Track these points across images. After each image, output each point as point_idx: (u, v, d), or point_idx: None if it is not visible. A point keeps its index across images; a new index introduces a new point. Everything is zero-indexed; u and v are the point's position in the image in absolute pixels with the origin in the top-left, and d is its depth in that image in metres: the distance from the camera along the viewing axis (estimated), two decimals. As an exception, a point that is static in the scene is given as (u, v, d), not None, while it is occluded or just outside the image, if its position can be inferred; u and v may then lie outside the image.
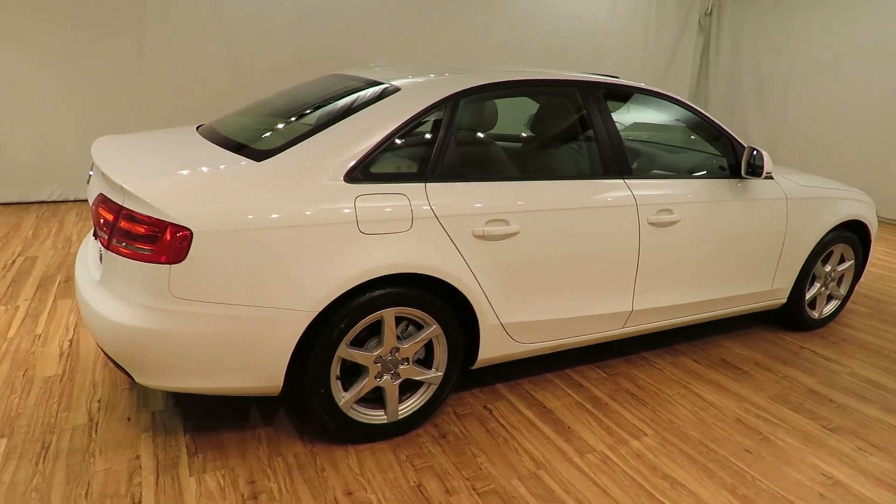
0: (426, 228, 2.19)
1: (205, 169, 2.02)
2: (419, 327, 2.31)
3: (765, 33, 7.82)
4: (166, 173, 1.98)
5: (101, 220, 2.01)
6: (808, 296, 3.52)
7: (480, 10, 6.82)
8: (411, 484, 2.11)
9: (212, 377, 2.02)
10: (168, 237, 1.86)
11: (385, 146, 2.19)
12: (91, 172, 2.41)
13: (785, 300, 3.41)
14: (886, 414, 2.76)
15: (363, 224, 2.08)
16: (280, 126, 2.38)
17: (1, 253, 4.10)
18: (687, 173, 2.91)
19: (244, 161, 2.07)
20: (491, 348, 2.47)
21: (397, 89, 2.33)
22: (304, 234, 1.99)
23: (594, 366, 3.03)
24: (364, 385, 2.24)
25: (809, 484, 2.25)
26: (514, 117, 2.65)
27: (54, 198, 5.48)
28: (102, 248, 2.01)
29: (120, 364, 2.02)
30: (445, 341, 2.33)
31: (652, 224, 2.68)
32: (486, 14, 6.86)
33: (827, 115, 7.13)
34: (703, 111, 2.98)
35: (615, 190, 2.61)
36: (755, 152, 2.89)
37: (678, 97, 2.93)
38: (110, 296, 1.98)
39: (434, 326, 2.29)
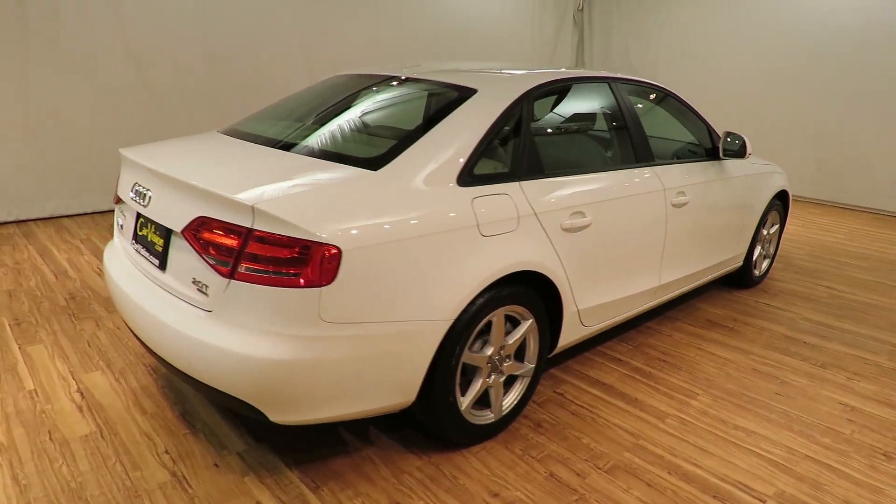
0: (529, 226, 2.24)
1: (327, 182, 1.88)
2: (514, 323, 2.36)
3: (632, 27, 8.70)
4: (291, 189, 1.81)
5: (211, 246, 1.79)
6: (754, 257, 4.10)
7: (382, 5, 6.76)
8: (544, 475, 2.18)
9: (352, 402, 1.91)
10: (317, 258, 1.72)
11: (483, 147, 2.19)
12: (143, 191, 2.09)
13: (742, 262, 3.95)
14: (848, 347, 3.35)
15: (483, 226, 2.08)
16: (364, 133, 2.27)
17: None
18: (684, 158, 3.25)
19: (361, 171, 1.96)
20: (567, 335, 2.59)
21: (474, 90, 2.33)
22: (438, 241, 1.95)
23: (617, 340, 3.28)
24: (479, 387, 2.24)
25: (836, 413, 2.69)
26: (562, 112, 2.76)
27: (-78, 228, 4.50)
28: (216, 276, 1.79)
29: (249, 403, 1.82)
30: (537, 333, 2.41)
31: (674, 205, 2.98)
32: (388, 9, 6.82)
33: (691, 98, 8.17)
34: (686, 101, 3.34)
35: (649, 177, 2.86)
36: (733, 137, 3.32)
37: (670, 90, 3.26)
38: (239, 329, 1.77)
39: (531, 321, 2.36)
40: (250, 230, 1.74)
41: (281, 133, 2.37)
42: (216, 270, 1.79)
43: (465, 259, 2.02)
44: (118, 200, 2.45)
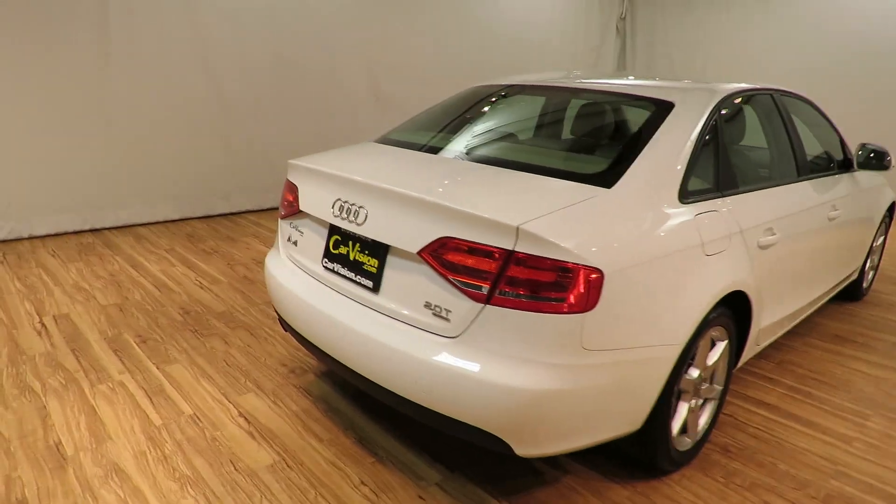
0: (736, 243, 2.15)
1: (572, 201, 1.77)
2: (710, 344, 2.26)
3: (677, 35, 8.66)
4: (545, 209, 1.70)
5: (459, 268, 1.68)
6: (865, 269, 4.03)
7: (438, 13, 6.67)
8: (761, 505, 2.08)
9: (592, 432, 1.80)
10: (582, 282, 1.62)
11: (693, 162, 2.10)
12: (353, 207, 1.97)
13: (857, 275, 3.88)
14: None
15: (706, 245, 1.98)
16: (569, 147, 2.18)
17: (11, 316, 3.17)
18: (826, 169, 3.17)
19: (595, 189, 1.86)
20: (746, 355, 2.50)
21: (670, 103, 2.24)
22: (677, 261, 1.85)
23: (755, 357, 3.19)
24: (686, 411, 2.14)
25: None
26: (741, 124, 2.67)
27: (3, 237, 4.34)
28: (465, 300, 1.68)
29: (494, 435, 1.71)
30: (727, 354, 2.32)
31: (829, 219, 2.90)
32: (443, 16, 6.73)
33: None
34: (823, 111, 3.27)
35: (813, 190, 2.77)
36: (873, 149, 3.24)
37: (811, 100, 3.18)
38: (492, 357, 1.66)
39: (726, 342, 2.27)
40: (511, 252, 1.63)
41: (476, 147, 2.26)
42: (466, 294, 1.68)
43: (695, 280, 1.92)
44: (290, 214, 2.33)
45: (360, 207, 1.95)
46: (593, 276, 1.62)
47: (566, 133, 2.31)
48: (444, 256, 1.72)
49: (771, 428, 2.54)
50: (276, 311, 2.47)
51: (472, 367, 1.67)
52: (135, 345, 2.94)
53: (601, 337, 1.67)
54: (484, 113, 2.56)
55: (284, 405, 2.50)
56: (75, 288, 3.59)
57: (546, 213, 1.67)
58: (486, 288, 1.65)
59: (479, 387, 1.65)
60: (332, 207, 2.05)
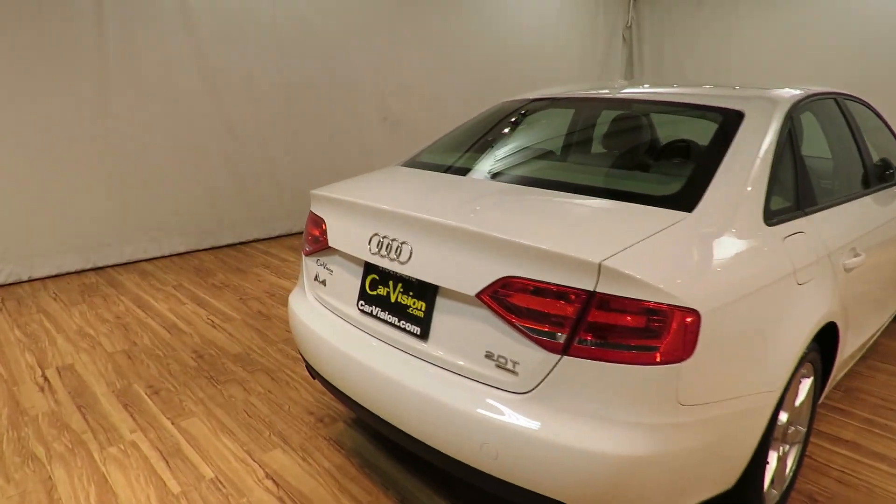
0: (825, 268, 1.91)
1: (651, 229, 1.54)
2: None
3: (685, 41, 8.49)
4: (625, 241, 1.47)
5: (528, 314, 1.45)
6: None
7: (446, 26, 6.50)
8: (869, 566, 1.82)
9: (682, 498, 1.54)
10: (677, 326, 1.37)
11: (773, 178, 1.87)
12: (393, 244, 1.73)
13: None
14: None
15: (798, 273, 1.74)
16: (633, 166, 1.95)
17: (11, 371, 2.93)
18: (889, 179, 2.94)
19: (674, 213, 1.62)
20: (827, 389, 2.25)
21: (740, 112, 2.01)
22: (772, 294, 1.61)
23: (821, 384, 2.93)
24: (776, 461, 1.89)
25: None
26: (809, 132, 2.44)
27: (1, 281, 4.10)
28: (536, 350, 1.44)
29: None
30: (812, 391, 2.07)
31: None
32: (452, 29, 6.56)
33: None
34: (882, 115, 3.04)
35: (884, 202, 2.54)
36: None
37: (869, 103, 2.96)
38: (572, 417, 1.42)
39: (811, 378, 2.02)
40: (592, 293, 1.39)
41: (522, 169, 2.04)
42: (538, 344, 1.44)
43: (791, 313, 1.68)
44: (316, 251, 2.10)
45: (402, 243, 1.71)
46: (689, 318, 1.38)
47: (621, 149, 2.08)
48: (508, 300, 1.48)
49: (856, 470, 2.28)
50: (303, 357, 2.23)
51: (548, 428, 1.42)
52: (146, 397, 2.69)
53: (699, 389, 1.43)
54: (522, 130, 2.34)
55: (315, 462, 2.24)
56: (79, 334, 3.35)
57: (628, 246, 1.44)
58: (562, 336, 1.41)
59: (557, 452, 1.41)
60: (369, 243, 1.81)
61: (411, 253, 1.68)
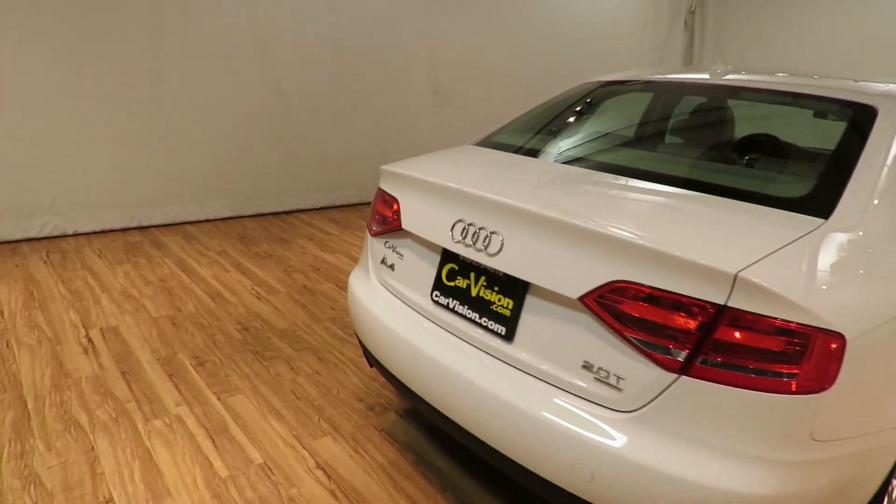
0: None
1: (786, 236, 1.34)
2: None
3: (751, 31, 8.06)
4: (759, 250, 1.27)
5: (641, 324, 1.27)
6: None
7: (503, 9, 6.23)
8: None
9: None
10: (820, 351, 1.18)
11: (911, 184, 1.64)
12: (480, 232, 1.56)
13: None
14: None
15: (938, 295, 1.53)
16: (750, 162, 1.74)
17: (55, 328, 2.87)
18: None
19: (807, 219, 1.42)
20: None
21: (873, 108, 1.78)
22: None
23: None
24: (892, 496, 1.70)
25: None
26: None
27: (47, 233, 4.07)
28: (649, 367, 1.27)
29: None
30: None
31: None
32: (506, 12, 6.28)
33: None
34: None
35: None
36: None
37: None
38: (683, 445, 1.25)
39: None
40: (723, 308, 1.20)
41: (621, 158, 1.84)
42: (652, 359, 1.26)
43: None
44: (385, 231, 1.94)
45: (492, 233, 1.54)
46: (834, 344, 1.19)
47: (732, 141, 1.87)
48: (617, 306, 1.30)
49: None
50: (361, 342, 2.09)
51: (657, 455, 1.25)
52: (191, 368, 2.59)
53: (836, 423, 1.24)
54: (613, 114, 2.14)
55: (368, 454, 2.11)
56: (124, 295, 3.27)
57: (765, 256, 1.25)
58: (682, 353, 1.23)
59: (665, 483, 1.24)
60: (451, 230, 1.64)
61: (502, 244, 1.51)
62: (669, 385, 1.25)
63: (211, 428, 2.20)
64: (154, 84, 4.25)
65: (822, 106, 1.85)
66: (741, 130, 1.98)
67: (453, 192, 1.66)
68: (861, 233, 1.41)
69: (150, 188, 4.45)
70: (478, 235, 1.57)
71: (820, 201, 1.47)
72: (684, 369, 1.23)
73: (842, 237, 1.38)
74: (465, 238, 1.60)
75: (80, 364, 2.57)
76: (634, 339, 1.28)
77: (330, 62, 5.08)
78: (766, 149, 1.83)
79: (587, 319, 1.37)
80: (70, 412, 2.24)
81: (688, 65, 8.87)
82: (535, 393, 1.44)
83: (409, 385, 1.79)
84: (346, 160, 5.43)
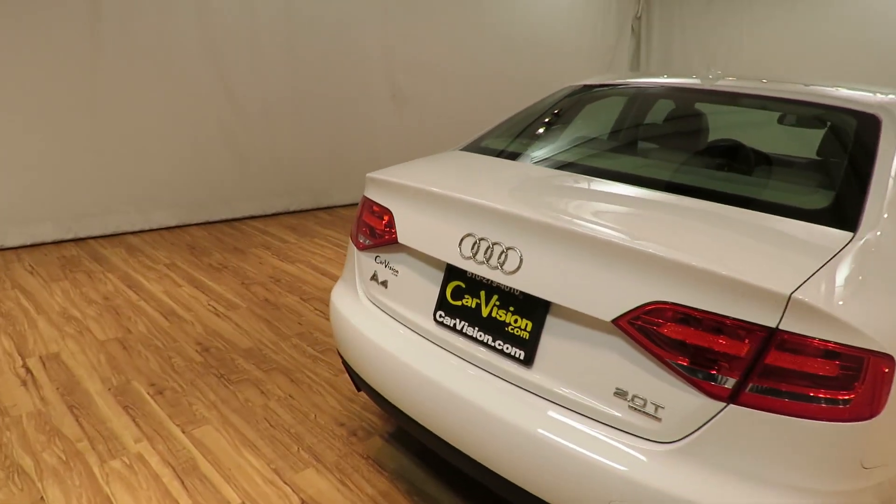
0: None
1: (824, 252, 1.27)
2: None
3: (695, 35, 8.30)
4: (800, 265, 1.20)
5: (684, 349, 1.18)
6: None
7: (460, 10, 6.14)
8: None
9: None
10: (871, 376, 1.12)
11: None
12: (494, 247, 1.43)
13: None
14: None
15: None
16: (741, 171, 1.68)
17: (-19, 356, 2.54)
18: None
19: (841, 233, 1.37)
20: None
21: (875, 117, 1.76)
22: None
23: None
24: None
25: None
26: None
27: (-31, 249, 3.66)
28: (692, 394, 1.18)
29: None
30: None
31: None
32: (464, 14, 6.19)
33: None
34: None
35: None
36: None
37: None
38: (731, 478, 1.16)
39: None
40: (774, 331, 1.12)
41: (627, 165, 1.76)
42: (696, 387, 1.17)
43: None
44: (377, 245, 1.79)
45: (507, 249, 1.42)
46: (886, 368, 1.13)
47: (735, 149, 1.82)
48: (656, 329, 1.21)
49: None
50: (347, 365, 1.93)
51: (705, 490, 1.16)
52: (149, 398, 2.34)
53: (882, 449, 1.19)
54: (610, 120, 2.05)
55: (356, 486, 1.95)
56: (63, 317, 2.96)
57: (812, 274, 1.18)
58: (729, 380, 1.15)
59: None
60: (459, 245, 1.51)
61: (520, 261, 1.39)
62: (716, 414, 1.16)
63: (178, 466, 1.97)
64: (92, 82, 3.90)
65: (825, 114, 1.83)
66: (740, 138, 1.93)
67: (462, 203, 1.52)
68: (886, 246, 1.37)
69: (88, 196, 4.09)
70: (492, 251, 1.44)
71: (844, 213, 1.43)
72: (733, 397, 1.15)
73: (872, 252, 1.33)
74: (475, 254, 1.47)
75: (19, 399, 2.28)
76: (676, 364, 1.19)
77: (283, 62, 4.83)
78: (771, 158, 1.79)
79: (620, 343, 1.27)
80: (11, 456, 1.96)
81: (634, 68, 9.05)
82: (560, 422, 1.33)
83: (407, 412, 1.64)
84: (300, 164, 5.19)
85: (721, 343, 1.15)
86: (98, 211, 4.15)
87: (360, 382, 1.88)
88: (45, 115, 3.77)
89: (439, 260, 1.60)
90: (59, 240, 4.02)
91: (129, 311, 3.08)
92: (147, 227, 4.40)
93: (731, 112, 2.08)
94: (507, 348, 1.44)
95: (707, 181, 1.65)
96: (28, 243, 3.89)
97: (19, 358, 2.56)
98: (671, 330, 1.20)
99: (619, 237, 1.27)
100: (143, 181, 4.31)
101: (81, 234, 4.11)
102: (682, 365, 1.19)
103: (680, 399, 1.20)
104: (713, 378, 1.16)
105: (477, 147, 2.12)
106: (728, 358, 1.15)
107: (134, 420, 2.20)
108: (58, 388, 2.36)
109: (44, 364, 2.52)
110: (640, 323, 1.23)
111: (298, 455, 2.08)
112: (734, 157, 1.78)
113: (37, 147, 3.78)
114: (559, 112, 2.22)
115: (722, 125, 2.05)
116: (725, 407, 1.16)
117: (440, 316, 1.59)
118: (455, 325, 1.55)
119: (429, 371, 1.55)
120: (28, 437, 2.06)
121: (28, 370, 2.47)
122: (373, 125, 5.65)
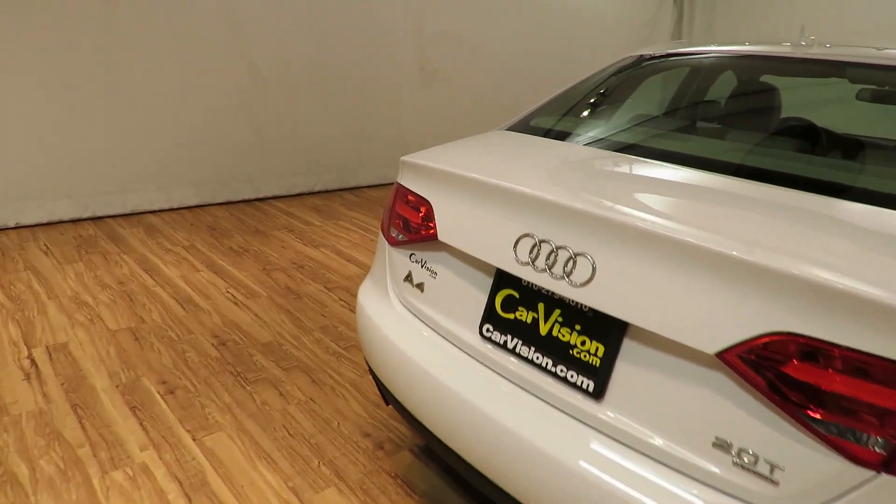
0: None
1: None
2: None
3: (741, 4, 7.78)
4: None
5: (823, 397, 0.90)
6: None
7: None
8: None
9: None
10: None
11: None
12: (560, 252, 1.16)
13: None
14: None
15: None
16: (853, 156, 1.37)
17: (-15, 345, 2.38)
18: None
19: None
20: None
21: None
22: None
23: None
24: None
25: None
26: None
27: (-17, 227, 3.52)
28: (828, 456, 0.90)
29: None
30: None
31: None
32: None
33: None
34: None
35: None
36: None
37: None
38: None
39: None
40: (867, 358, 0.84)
41: (722, 152, 1.46)
42: (837, 448, 0.90)
43: None
44: (413, 241, 1.53)
45: (577, 255, 1.15)
46: None
47: (840, 129, 1.51)
48: (777, 368, 0.93)
49: None
50: (374, 375, 1.69)
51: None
52: (159, 397, 2.15)
53: None
54: (689, 96, 1.75)
55: (382, 511, 1.73)
56: (75, 302, 2.78)
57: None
58: (882, 441, 0.87)
59: None
60: (514, 247, 1.24)
61: (593, 271, 1.12)
62: (861, 484, 0.89)
63: (186, 481, 1.77)
64: (105, 51, 3.69)
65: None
66: (850, 117, 1.62)
67: (520, 196, 1.25)
68: None
69: (107, 173, 3.91)
70: (556, 257, 1.17)
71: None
72: (887, 465, 0.87)
73: None
74: (535, 259, 1.20)
75: (21, 395, 2.10)
76: (806, 417, 0.92)
77: (305, 31, 4.57)
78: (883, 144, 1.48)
79: (724, 381, 1.00)
80: (6, 463, 1.78)
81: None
82: (638, 474, 1.06)
83: (444, 440, 1.40)
84: (325, 141, 4.95)
85: (874, 393, 0.87)
86: (117, 188, 3.97)
87: (388, 396, 1.64)
88: (62, 86, 3.58)
89: (488, 263, 1.33)
90: (76, 218, 3.86)
91: (143, 297, 2.90)
92: (167, 207, 4.22)
93: (835, 84, 1.76)
94: (572, 376, 1.18)
95: (818, 170, 1.35)
96: (45, 221, 3.74)
97: (25, 348, 2.39)
98: (798, 370, 0.92)
99: (730, 246, 0.98)
100: (163, 156, 4.12)
101: (99, 213, 3.95)
102: (815, 418, 0.91)
103: (808, 460, 0.92)
104: (860, 438, 0.89)
105: (525, 126, 1.84)
106: (880, 412, 0.87)
107: (141, 423, 2.00)
108: (62, 384, 2.17)
109: (50, 355, 2.35)
110: (753, 358, 0.95)
111: (319, 471, 1.86)
112: (854, 143, 1.47)
113: (53, 118, 3.60)
114: (619, 86, 1.92)
115: (847, 102, 1.73)
116: (876, 476, 0.88)
117: (487, 330, 1.33)
118: (506, 342, 1.29)
119: (472, 396, 1.30)
120: (26, 441, 1.88)
121: (33, 362, 2.30)
122: (400, 99, 5.37)
